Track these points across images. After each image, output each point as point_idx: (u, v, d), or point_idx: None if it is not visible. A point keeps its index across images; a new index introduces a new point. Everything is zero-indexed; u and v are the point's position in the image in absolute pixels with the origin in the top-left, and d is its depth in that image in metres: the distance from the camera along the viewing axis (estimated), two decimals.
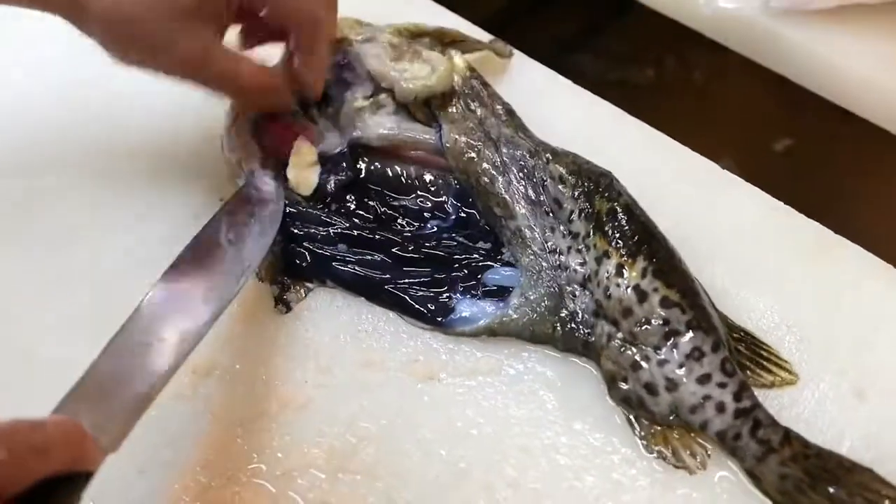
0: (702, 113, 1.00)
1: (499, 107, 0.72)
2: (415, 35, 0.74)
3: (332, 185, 0.70)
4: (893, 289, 0.67)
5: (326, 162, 0.70)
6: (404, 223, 0.69)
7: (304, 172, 0.70)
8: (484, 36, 0.83)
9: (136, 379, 0.55)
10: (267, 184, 0.70)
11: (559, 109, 0.77)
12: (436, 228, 0.69)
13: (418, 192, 0.70)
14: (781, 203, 0.72)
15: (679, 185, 0.73)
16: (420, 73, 0.70)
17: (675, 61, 1.05)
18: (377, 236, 0.68)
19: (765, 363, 0.63)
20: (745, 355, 0.63)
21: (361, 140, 0.71)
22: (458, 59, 0.74)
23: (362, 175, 0.70)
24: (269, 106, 0.70)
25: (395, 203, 0.70)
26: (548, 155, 0.68)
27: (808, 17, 0.84)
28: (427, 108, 0.71)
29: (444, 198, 0.70)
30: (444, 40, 0.75)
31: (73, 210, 0.74)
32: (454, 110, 0.71)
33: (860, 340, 0.65)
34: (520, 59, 0.82)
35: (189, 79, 0.65)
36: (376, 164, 0.71)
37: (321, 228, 0.69)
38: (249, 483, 0.60)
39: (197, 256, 0.64)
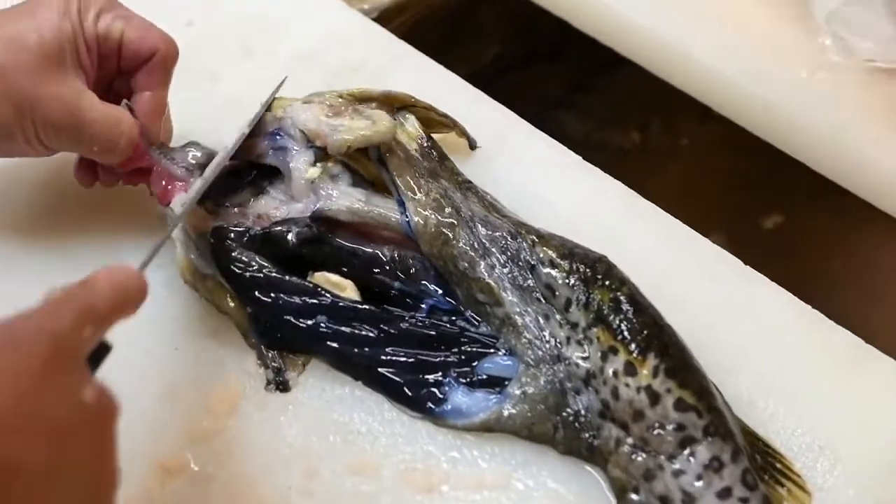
0: (689, 182, 0.98)
1: (461, 180, 0.67)
2: (360, 99, 0.69)
3: (294, 237, 0.63)
4: None
5: (286, 222, 0.65)
6: (396, 299, 0.64)
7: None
8: (471, 91, 0.78)
9: None
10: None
11: (544, 172, 0.73)
12: (430, 308, 0.64)
13: (398, 276, 0.64)
14: (809, 307, 0.67)
15: (700, 282, 0.68)
16: (357, 125, 0.65)
17: (661, 126, 1.03)
18: (364, 308, 0.63)
19: (778, 476, 0.59)
20: (758, 464, 0.58)
21: (326, 213, 0.64)
22: (410, 126, 0.69)
23: (333, 249, 0.64)
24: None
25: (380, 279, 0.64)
26: (532, 237, 0.63)
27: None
28: (383, 167, 0.65)
29: (424, 284, 0.64)
30: (394, 104, 0.70)
31: None
32: (413, 181, 0.65)
33: None
34: (509, 118, 0.77)
35: (65, 133, 0.61)
36: (345, 241, 0.65)
37: (297, 298, 0.62)
38: None
39: None
